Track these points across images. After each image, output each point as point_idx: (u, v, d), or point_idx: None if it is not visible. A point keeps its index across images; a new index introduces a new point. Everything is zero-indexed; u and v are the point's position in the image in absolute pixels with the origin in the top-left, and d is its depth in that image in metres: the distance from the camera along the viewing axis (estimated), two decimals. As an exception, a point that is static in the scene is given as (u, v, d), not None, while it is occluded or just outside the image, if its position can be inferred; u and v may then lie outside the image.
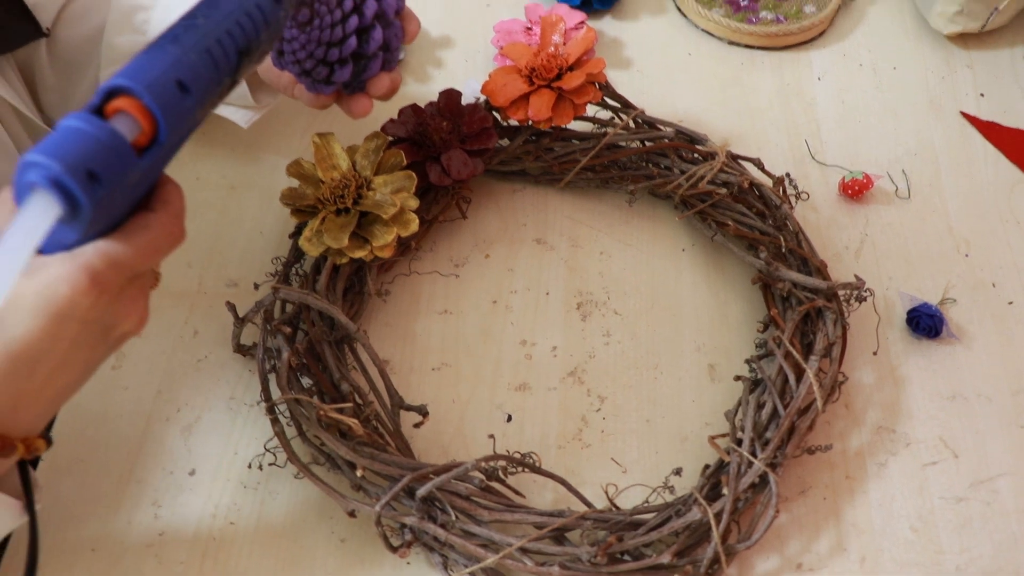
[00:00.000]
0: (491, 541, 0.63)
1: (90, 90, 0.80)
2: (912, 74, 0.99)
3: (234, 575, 0.66)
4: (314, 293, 0.71)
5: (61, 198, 0.40)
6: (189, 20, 0.47)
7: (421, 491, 0.63)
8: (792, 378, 0.70)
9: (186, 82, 0.45)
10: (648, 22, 1.04)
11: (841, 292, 0.74)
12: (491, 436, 0.72)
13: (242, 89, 0.78)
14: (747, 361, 0.75)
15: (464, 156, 0.79)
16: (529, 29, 0.97)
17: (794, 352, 0.70)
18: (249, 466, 0.70)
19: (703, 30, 1.02)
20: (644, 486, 0.69)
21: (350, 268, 0.75)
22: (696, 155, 0.82)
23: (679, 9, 1.05)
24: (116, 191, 0.43)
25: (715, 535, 0.62)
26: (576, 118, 0.81)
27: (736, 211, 0.80)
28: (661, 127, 0.84)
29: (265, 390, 0.69)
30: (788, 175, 0.83)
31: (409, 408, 0.69)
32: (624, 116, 0.84)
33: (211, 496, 0.69)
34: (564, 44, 0.84)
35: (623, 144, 0.83)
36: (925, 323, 0.77)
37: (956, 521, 0.69)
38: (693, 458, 0.71)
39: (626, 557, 0.64)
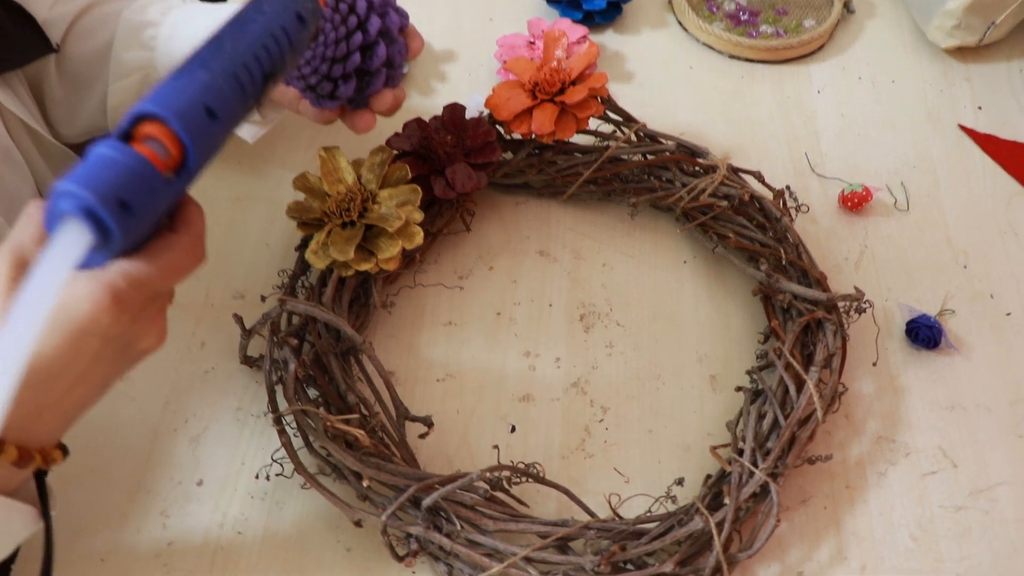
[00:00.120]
0: (496, 550, 0.63)
1: (98, 104, 0.81)
2: (910, 87, 1.00)
3: (242, 584, 0.67)
4: (320, 305, 0.72)
5: (93, 227, 0.41)
6: (216, 43, 0.47)
7: (426, 501, 0.63)
8: (792, 389, 0.70)
9: (214, 108, 0.45)
10: (649, 36, 1.05)
11: (841, 303, 0.75)
12: (495, 447, 0.72)
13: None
14: (748, 372, 0.76)
15: (468, 169, 0.79)
16: (532, 43, 0.98)
17: (794, 363, 0.71)
18: (256, 476, 0.71)
19: (704, 44, 1.03)
20: (647, 496, 0.70)
21: (356, 280, 0.76)
22: (697, 168, 0.83)
23: (680, 23, 1.06)
24: (145, 217, 0.44)
25: (717, 544, 0.63)
26: (579, 131, 0.82)
27: (737, 223, 0.81)
28: (663, 140, 0.84)
29: (272, 401, 0.70)
30: (788, 188, 0.84)
31: (414, 419, 0.69)
32: (626, 129, 0.84)
33: (219, 506, 0.70)
34: (567, 58, 0.85)
35: (625, 157, 0.84)
36: (924, 334, 0.78)
37: (955, 530, 0.69)
38: (695, 468, 0.72)
39: (629, 566, 0.64)
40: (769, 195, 0.83)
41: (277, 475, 0.69)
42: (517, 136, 0.84)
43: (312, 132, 0.93)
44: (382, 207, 0.73)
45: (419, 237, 0.72)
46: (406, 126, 0.81)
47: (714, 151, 0.85)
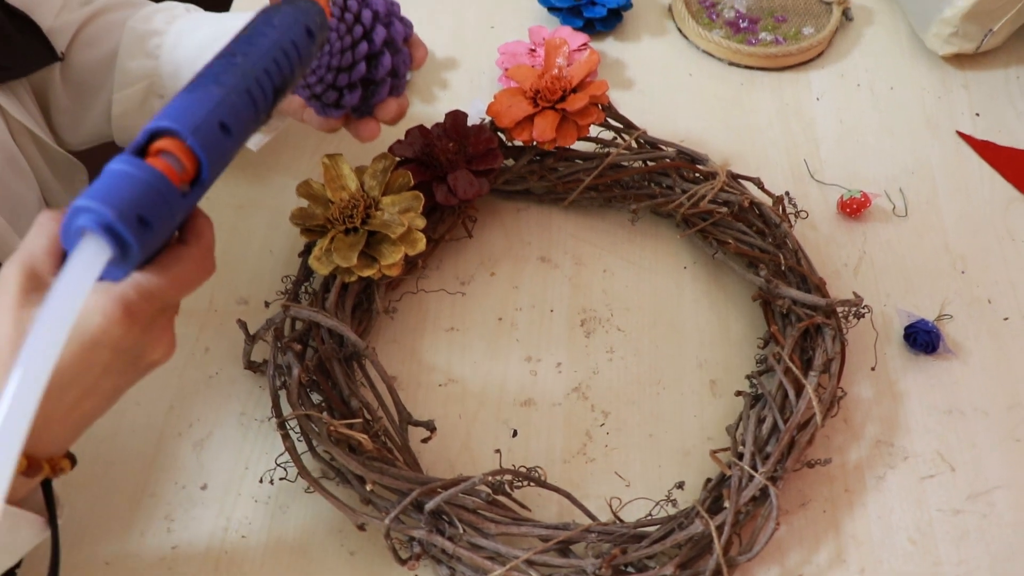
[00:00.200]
0: (498, 554, 0.64)
1: (102, 113, 0.81)
2: (909, 94, 1.00)
3: (246, 588, 0.67)
4: (323, 311, 0.73)
5: (112, 242, 0.41)
6: (229, 58, 0.48)
7: (429, 505, 0.64)
8: (792, 393, 0.71)
9: (228, 123, 0.46)
10: (650, 43, 1.05)
11: (840, 309, 0.76)
12: (497, 451, 0.73)
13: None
14: (748, 377, 0.77)
15: (470, 176, 0.80)
16: (533, 51, 0.99)
17: (794, 368, 0.72)
18: (260, 481, 0.71)
19: (703, 51, 1.04)
20: (647, 499, 0.70)
21: (359, 286, 0.77)
22: (697, 174, 0.84)
23: (680, 31, 1.06)
24: (161, 231, 0.44)
25: (717, 547, 0.63)
26: (580, 138, 0.82)
27: (737, 229, 0.82)
28: (663, 147, 0.85)
29: (276, 406, 0.71)
30: (787, 194, 0.85)
31: (417, 423, 0.70)
32: (626, 136, 0.85)
33: (223, 510, 0.70)
34: (568, 66, 0.86)
35: (626, 164, 0.84)
36: (922, 339, 0.78)
37: (954, 533, 0.70)
38: (695, 472, 0.73)
39: (630, 569, 0.65)
40: (768, 201, 0.83)
41: (281, 479, 0.70)
42: (518, 143, 0.85)
43: (315, 140, 0.93)
44: (385, 213, 0.73)
45: (421, 243, 0.73)
46: (408, 133, 0.82)
47: (714, 158, 0.85)
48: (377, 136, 0.71)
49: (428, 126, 0.82)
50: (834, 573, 0.68)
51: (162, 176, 0.43)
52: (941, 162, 0.94)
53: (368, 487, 0.65)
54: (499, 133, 0.84)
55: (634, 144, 0.85)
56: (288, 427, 0.69)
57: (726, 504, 0.65)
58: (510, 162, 0.86)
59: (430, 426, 0.69)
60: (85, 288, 0.41)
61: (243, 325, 0.75)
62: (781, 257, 0.79)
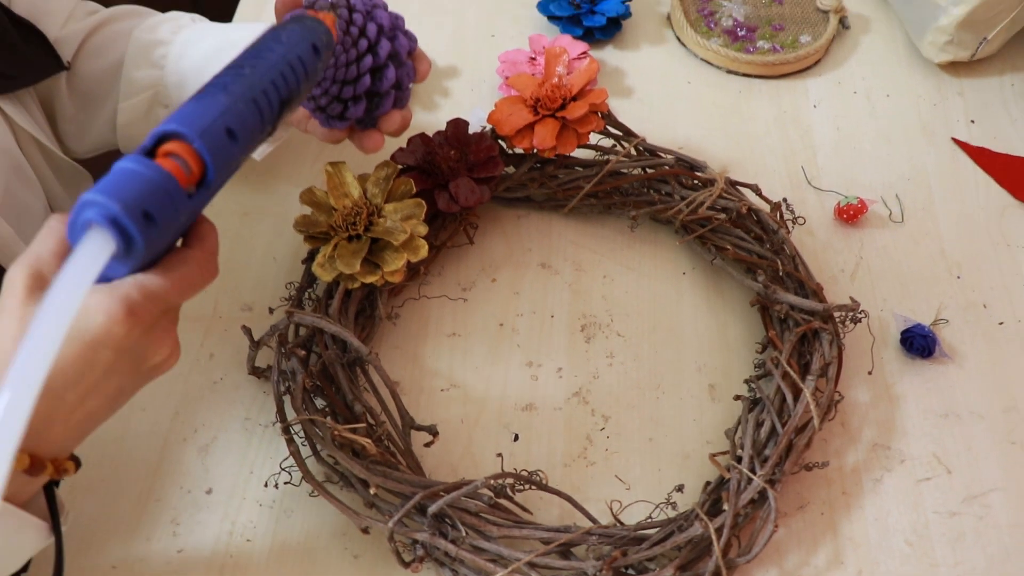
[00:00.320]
0: (500, 556, 0.64)
1: (108, 122, 0.82)
2: (905, 101, 1.01)
3: (251, 590, 0.68)
4: (327, 317, 0.73)
5: (117, 236, 0.42)
6: (237, 69, 0.49)
7: (432, 508, 0.64)
8: (790, 397, 0.71)
9: (234, 129, 0.47)
10: (649, 52, 1.06)
11: (837, 314, 0.76)
12: (499, 455, 0.74)
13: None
14: (746, 381, 0.77)
15: (471, 184, 0.81)
16: (533, 59, 1.00)
17: (791, 372, 0.72)
18: (265, 485, 0.72)
19: (702, 59, 1.05)
20: (647, 502, 0.71)
21: (361, 292, 0.77)
22: (696, 181, 0.85)
23: (678, 39, 1.07)
24: (167, 230, 0.45)
25: (716, 549, 0.64)
26: (579, 146, 0.83)
27: (735, 236, 0.82)
28: (662, 154, 0.86)
29: (280, 411, 0.71)
30: (785, 200, 0.85)
31: (420, 428, 0.70)
32: (626, 144, 0.86)
33: (228, 514, 0.71)
34: (568, 74, 0.86)
35: (625, 171, 0.85)
36: (918, 343, 0.79)
37: (950, 535, 0.71)
38: (694, 475, 0.73)
39: (630, 571, 0.66)
40: (766, 208, 0.84)
41: (285, 483, 0.71)
42: (519, 151, 0.85)
43: (318, 148, 0.94)
44: (387, 221, 0.74)
45: (423, 250, 0.73)
46: (410, 141, 0.83)
47: (712, 165, 0.86)
48: (381, 147, 0.72)
49: (430, 134, 0.83)
50: (832, 575, 0.69)
51: (169, 175, 0.44)
52: (937, 169, 0.95)
53: (372, 491, 0.66)
54: (500, 141, 0.85)
55: (633, 151, 0.86)
56: (292, 432, 0.70)
57: (725, 507, 0.66)
58: (511, 169, 0.86)
59: (432, 430, 0.70)
60: (89, 279, 0.41)
61: (247, 331, 0.75)
62: (779, 263, 0.80)
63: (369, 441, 0.67)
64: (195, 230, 0.51)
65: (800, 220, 0.87)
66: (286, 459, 0.69)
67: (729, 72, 1.04)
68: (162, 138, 0.45)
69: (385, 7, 0.69)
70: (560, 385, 0.79)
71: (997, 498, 0.72)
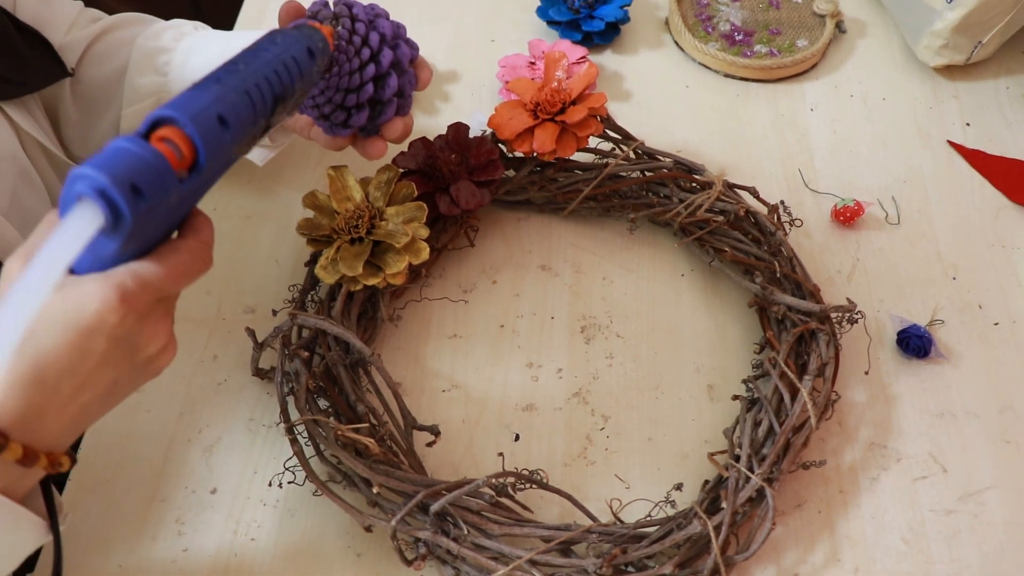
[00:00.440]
0: (501, 554, 0.65)
1: (111, 127, 0.83)
2: (901, 105, 1.02)
3: (255, 589, 0.69)
4: (330, 319, 0.74)
5: (106, 208, 0.43)
6: (231, 66, 0.50)
7: (434, 507, 0.65)
8: (787, 397, 0.72)
9: (226, 117, 0.48)
10: (647, 56, 1.07)
11: (834, 315, 0.77)
12: (500, 454, 0.74)
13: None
14: (744, 381, 0.78)
15: (472, 187, 0.82)
16: (533, 64, 1.01)
17: (789, 372, 0.73)
18: (269, 484, 0.73)
19: (700, 64, 1.06)
20: (647, 501, 0.72)
21: (364, 295, 0.78)
22: (694, 184, 0.85)
23: (676, 44, 1.08)
24: (156, 209, 0.45)
25: (715, 547, 0.64)
26: (579, 150, 0.84)
27: (733, 238, 0.83)
28: (660, 158, 0.86)
29: (284, 411, 0.72)
30: (782, 203, 0.86)
31: (422, 428, 0.71)
32: (625, 147, 0.86)
33: (232, 513, 0.72)
34: (567, 79, 0.87)
35: (624, 174, 0.86)
36: (915, 344, 0.80)
37: (946, 533, 0.71)
38: (693, 474, 0.74)
39: (630, 569, 0.66)
40: (764, 210, 0.85)
41: (289, 483, 0.71)
42: (519, 154, 0.86)
43: (320, 152, 0.95)
44: (389, 224, 0.75)
45: (425, 252, 0.74)
46: (411, 145, 0.83)
47: (710, 168, 0.87)
48: (384, 154, 0.73)
49: (431, 138, 0.84)
50: (829, 572, 0.69)
51: (159, 154, 0.45)
52: (932, 171, 0.95)
53: (374, 490, 0.67)
54: (500, 145, 0.85)
55: (632, 155, 0.86)
56: (296, 432, 0.71)
57: (723, 505, 0.66)
58: (511, 173, 0.87)
59: (434, 430, 0.71)
60: (75, 248, 0.42)
61: (251, 333, 0.76)
62: (776, 264, 0.80)
63: (372, 441, 0.67)
64: (190, 222, 0.51)
65: (797, 222, 0.87)
66: (290, 459, 0.70)
67: (727, 76, 1.04)
68: (156, 124, 0.46)
69: (387, 16, 0.70)
70: (560, 386, 0.79)
71: (992, 496, 0.73)
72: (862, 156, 0.97)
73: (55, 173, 0.80)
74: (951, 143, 0.98)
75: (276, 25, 0.68)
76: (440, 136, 0.84)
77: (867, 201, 0.90)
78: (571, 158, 0.86)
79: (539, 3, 1.07)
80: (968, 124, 1.00)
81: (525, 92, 0.85)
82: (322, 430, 0.69)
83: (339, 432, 0.67)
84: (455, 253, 0.88)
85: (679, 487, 0.72)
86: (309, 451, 0.71)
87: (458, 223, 0.86)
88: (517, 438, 0.76)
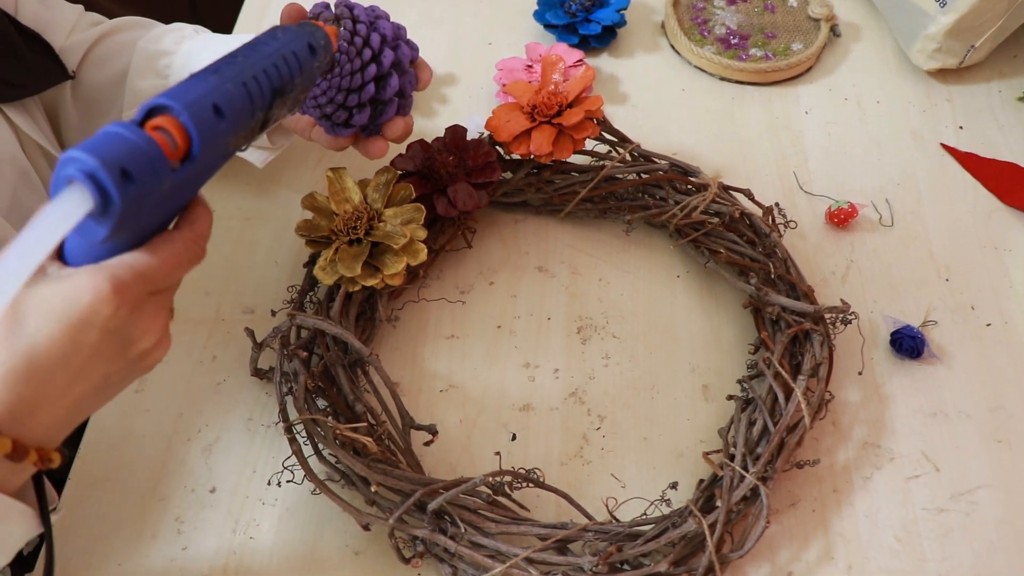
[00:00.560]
0: (498, 552, 0.65)
1: (111, 130, 0.83)
2: (895, 108, 1.02)
3: (254, 587, 0.69)
4: (328, 319, 0.74)
5: (95, 191, 0.42)
6: (231, 57, 0.50)
7: (432, 505, 0.66)
8: (781, 397, 0.72)
9: (221, 106, 0.47)
10: (643, 59, 1.08)
11: (828, 315, 0.78)
12: (497, 453, 0.75)
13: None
14: (739, 381, 0.79)
15: (469, 189, 0.82)
16: (530, 67, 1.01)
17: (783, 372, 0.74)
18: (268, 483, 0.73)
19: (695, 67, 1.06)
20: (642, 499, 0.72)
21: (362, 295, 0.79)
22: (690, 186, 0.86)
23: (672, 47, 1.08)
24: (147, 196, 0.45)
25: (710, 545, 0.65)
26: (575, 152, 0.84)
27: (728, 239, 0.83)
28: (656, 160, 0.87)
29: (283, 411, 0.72)
30: (777, 205, 0.87)
31: (419, 427, 0.71)
32: (621, 150, 0.87)
33: (231, 512, 0.72)
34: (564, 82, 0.87)
35: (620, 176, 0.86)
36: (908, 344, 0.80)
37: (938, 531, 0.72)
38: (688, 473, 0.75)
39: (625, 566, 0.67)
40: (759, 212, 0.85)
41: (288, 482, 0.72)
42: (516, 156, 0.86)
43: (319, 154, 0.96)
44: (387, 225, 0.75)
45: (423, 254, 0.74)
46: (410, 147, 0.84)
47: (706, 170, 0.87)
48: (385, 154, 0.74)
49: (429, 140, 0.84)
50: (823, 570, 0.70)
51: (151, 140, 0.44)
52: (926, 173, 0.96)
53: (372, 488, 0.67)
54: (497, 147, 0.86)
55: (628, 157, 0.87)
56: (295, 431, 0.71)
57: (718, 503, 0.67)
58: (508, 175, 0.88)
59: (432, 430, 0.71)
60: (62, 229, 0.41)
61: (250, 333, 0.76)
62: (771, 266, 0.81)
63: (370, 440, 0.68)
64: (188, 213, 0.51)
65: (792, 224, 0.88)
66: (288, 458, 0.70)
67: (722, 79, 1.05)
68: (152, 112, 0.46)
69: (388, 18, 0.70)
70: (557, 386, 0.80)
71: (984, 495, 0.74)
72: (856, 158, 0.97)
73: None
74: (944, 146, 0.98)
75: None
76: (438, 138, 0.85)
77: (861, 203, 0.91)
78: (568, 160, 0.86)
79: (536, 7, 1.07)
80: (961, 127, 1.00)
81: (522, 95, 0.86)
82: (320, 429, 0.70)
83: (337, 431, 0.68)
84: (453, 254, 0.88)
85: (674, 486, 0.73)
86: (308, 450, 0.71)
87: (456, 224, 0.86)
88: (514, 438, 0.77)
